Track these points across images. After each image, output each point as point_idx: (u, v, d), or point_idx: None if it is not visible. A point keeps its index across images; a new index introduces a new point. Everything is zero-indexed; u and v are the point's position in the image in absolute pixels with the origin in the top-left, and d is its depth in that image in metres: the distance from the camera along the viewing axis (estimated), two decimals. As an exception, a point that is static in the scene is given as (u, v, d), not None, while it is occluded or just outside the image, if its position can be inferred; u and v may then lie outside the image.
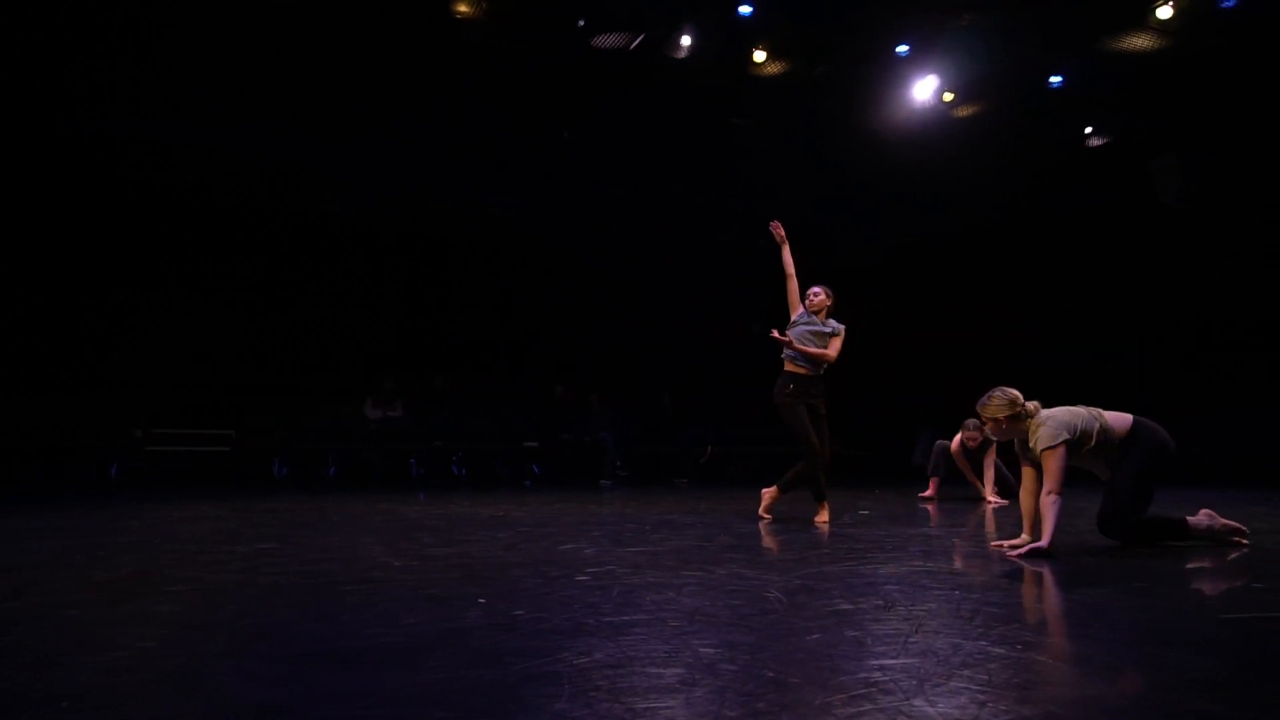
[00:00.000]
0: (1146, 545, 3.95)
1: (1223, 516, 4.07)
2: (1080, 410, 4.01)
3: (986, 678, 1.81)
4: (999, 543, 4.04)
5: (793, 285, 5.68)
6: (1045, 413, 3.99)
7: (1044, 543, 3.68)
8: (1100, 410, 4.04)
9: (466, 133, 11.29)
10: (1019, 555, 3.71)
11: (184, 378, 10.38)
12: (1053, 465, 3.79)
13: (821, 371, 5.55)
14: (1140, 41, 10.11)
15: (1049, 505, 3.72)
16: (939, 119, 11.40)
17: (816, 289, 5.63)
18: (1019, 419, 3.98)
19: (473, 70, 10.51)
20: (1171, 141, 11.60)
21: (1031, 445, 3.93)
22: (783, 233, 5.67)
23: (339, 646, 2.10)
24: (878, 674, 1.84)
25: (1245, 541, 3.97)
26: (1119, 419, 3.99)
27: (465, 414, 11.10)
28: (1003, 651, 2.03)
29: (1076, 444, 3.88)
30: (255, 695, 1.72)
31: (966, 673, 1.85)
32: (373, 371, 10.90)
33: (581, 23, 9.99)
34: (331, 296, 11.60)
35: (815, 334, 5.53)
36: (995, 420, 4.02)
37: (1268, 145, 10.70)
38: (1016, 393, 4.02)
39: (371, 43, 9.87)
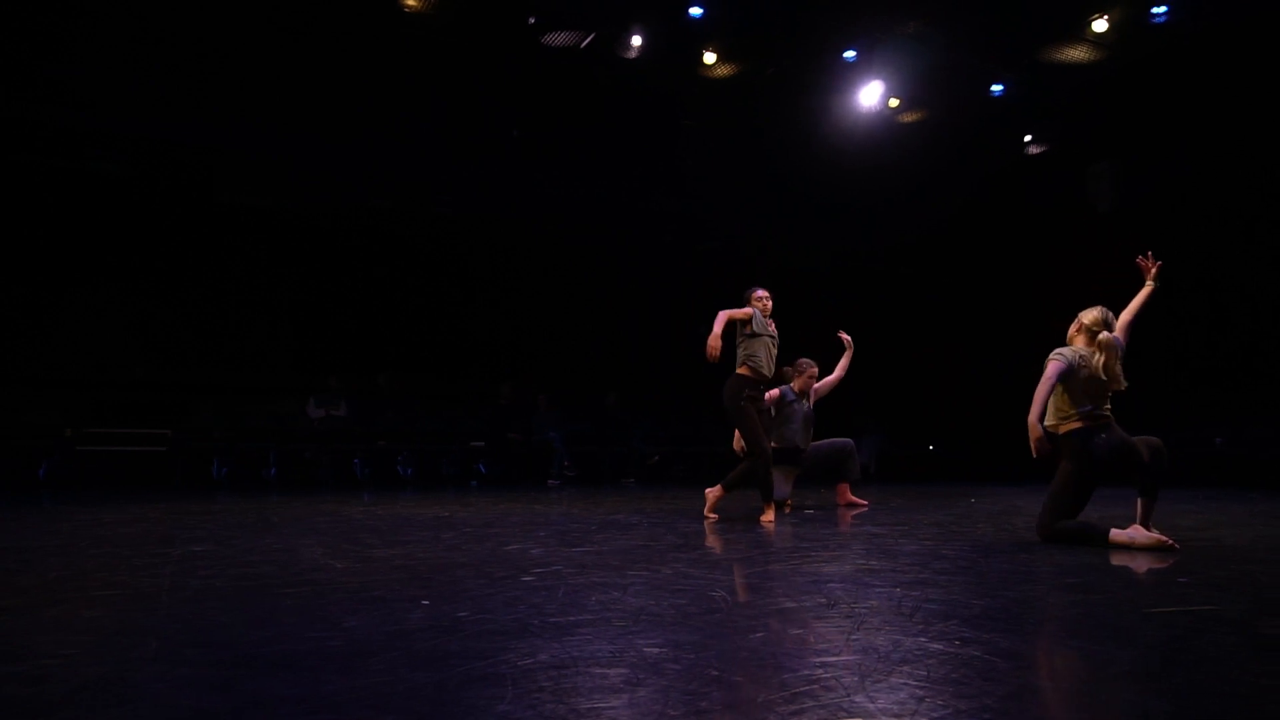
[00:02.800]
0: (1066, 545, 4.07)
1: (1153, 529, 4.13)
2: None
3: (925, 673, 1.85)
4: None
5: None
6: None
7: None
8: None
9: (413, 129, 11.14)
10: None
11: (118, 375, 10.07)
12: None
13: (771, 373, 5.60)
14: (1078, 53, 10.42)
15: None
16: (885, 124, 11.61)
17: (765, 292, 5.64)
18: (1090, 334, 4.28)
19: (421, 65, 10.38)
20: (1107, 149, 11.98)
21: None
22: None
23: (276, 651, 2.05)
24: (820, 671, 1.86)
25: (1175, 546, 4.00)
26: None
27: (410, 413, 10.97)
28: (941, 647, 2.07)
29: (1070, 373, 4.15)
30: (187, 703, 1.68)
31: (906, 669, 1.88)
32: (316, 370, 10.70)
33: (532, 20, 9.93)
34: (274, 293, 11.36)
35: (775, 341, 5.59)
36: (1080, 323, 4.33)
37: (1200, 151, 11.10)
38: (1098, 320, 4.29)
39: (318, 32, 9.69)
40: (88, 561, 3.53)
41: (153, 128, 10.32)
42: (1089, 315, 4.31)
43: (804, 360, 6.75)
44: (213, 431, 9.79)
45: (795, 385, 6.67)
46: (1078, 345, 4.25)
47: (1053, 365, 4.12)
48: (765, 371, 5.53)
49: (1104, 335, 4.17)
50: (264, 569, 3.29)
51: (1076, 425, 4.17)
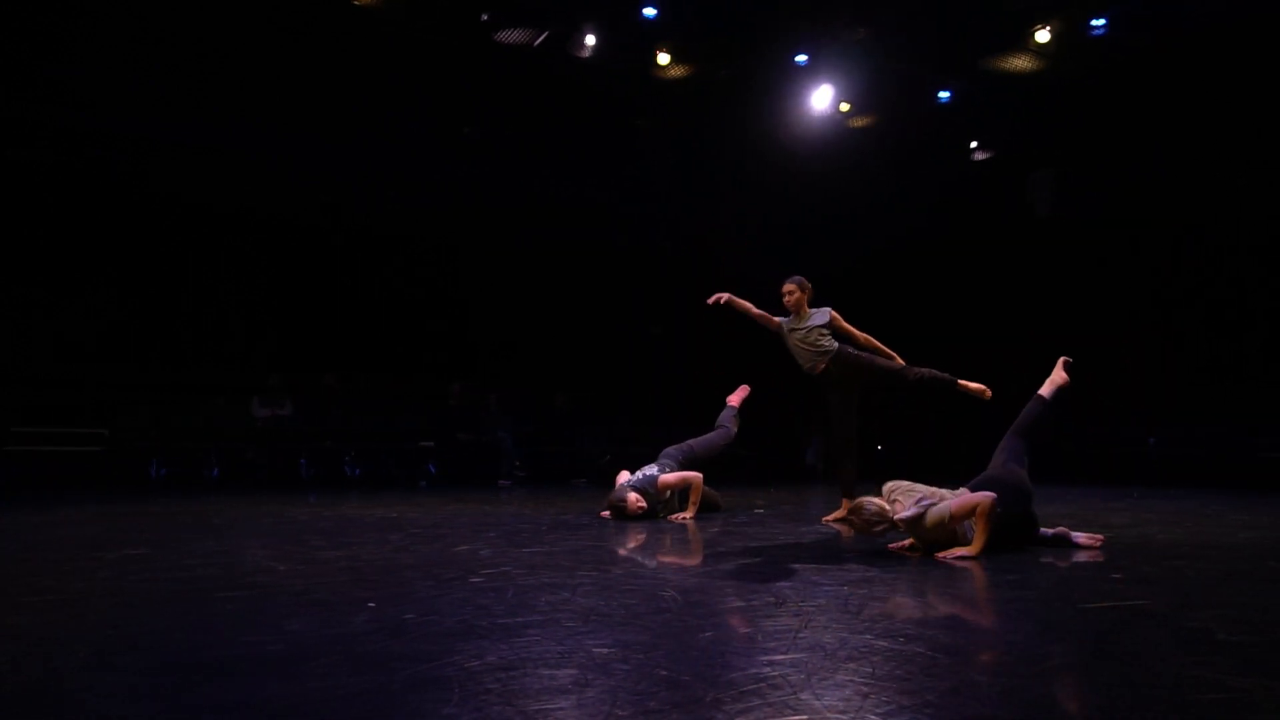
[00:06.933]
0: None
1: (1082, 528, 4.23)
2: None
3: (870, 670, 1.87)
4: (944, 554, 3.63)
5: (755, 315, 5.46)
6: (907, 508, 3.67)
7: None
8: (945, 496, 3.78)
9: (360, 123, 10.94)
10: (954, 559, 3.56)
11: (51, 373, 9.71)
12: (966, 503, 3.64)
13: (813, 367, 5.48)
14: (1021, 63, 10.70)
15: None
16: (836, 128, 11.76)
17: (785, 287, 5.46)
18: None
19: (367, 60, 10.22)
20: (1048, 157, 12.28)
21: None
22: (723, 298, 5.33)
23: (213, 656, 2.00)
24: (767, 669, 1.87)
25: (1097, 544, 4.08)
26: (964, 504, 3.68)
27: (358, 413, 10.79)
28: (886, 644, 2.10)
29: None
30: (118, 712, 1.62)
31: (852, 665, 1.91)
32: (260, 369, 10.46)
33: (485, 17, 9.85)
34: (216, 290, 11.06)
35: (798, 340, 5.44)
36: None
37: (1133, 160, 11.43)
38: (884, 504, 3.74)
39: (267, 24, 9.53)
40: (16, 566, 3.40)
41: (70, 111, 9.92)
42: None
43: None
44: (151, 431, 9.50)
45: None
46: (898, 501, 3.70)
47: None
48: (801, 363, 5.55)
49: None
50: (203, 572, 3.21)
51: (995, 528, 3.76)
